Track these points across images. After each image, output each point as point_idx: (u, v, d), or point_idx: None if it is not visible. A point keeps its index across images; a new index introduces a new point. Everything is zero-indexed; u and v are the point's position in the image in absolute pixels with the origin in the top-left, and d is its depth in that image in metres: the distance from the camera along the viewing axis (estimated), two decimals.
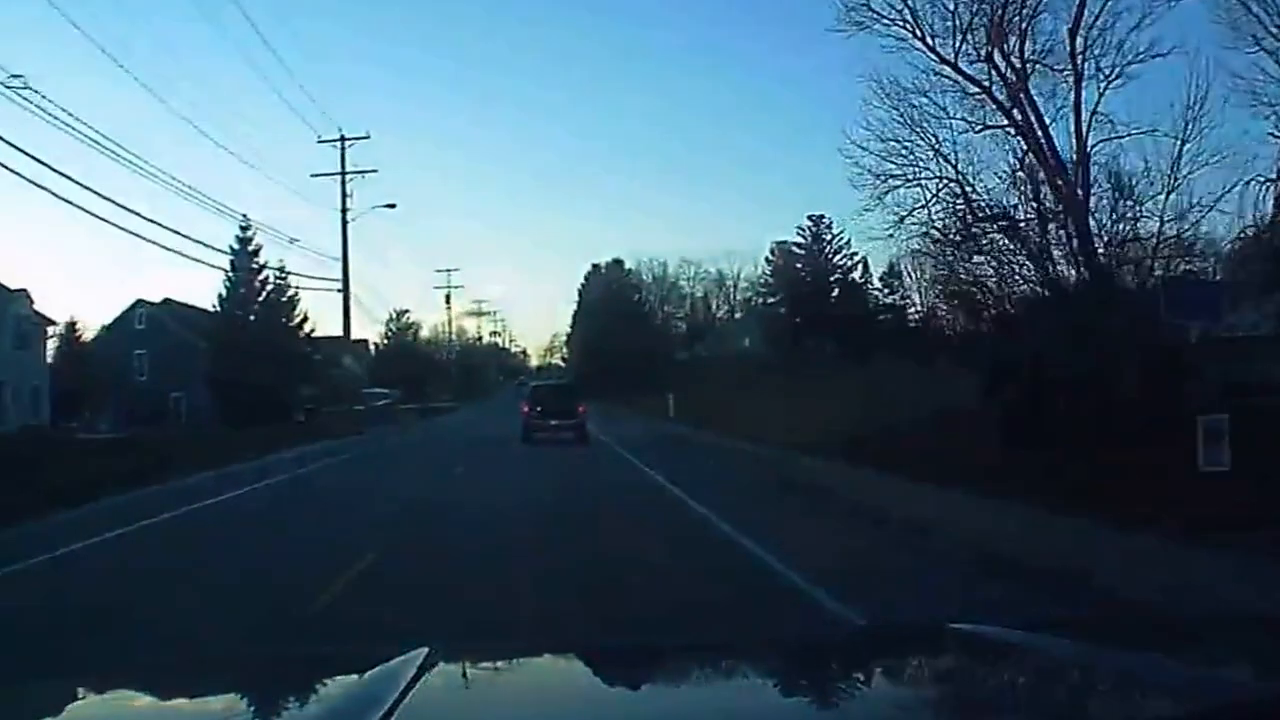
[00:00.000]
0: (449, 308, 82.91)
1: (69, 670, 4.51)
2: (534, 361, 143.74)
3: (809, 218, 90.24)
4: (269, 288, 44.19)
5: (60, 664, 6.25)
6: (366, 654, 2.03)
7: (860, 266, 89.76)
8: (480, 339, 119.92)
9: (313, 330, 46.81)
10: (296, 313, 45.36)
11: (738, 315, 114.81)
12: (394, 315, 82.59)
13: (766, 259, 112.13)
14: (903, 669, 2.20)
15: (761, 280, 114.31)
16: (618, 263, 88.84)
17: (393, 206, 37.24)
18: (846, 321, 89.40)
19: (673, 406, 41.87)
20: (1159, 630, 2.76)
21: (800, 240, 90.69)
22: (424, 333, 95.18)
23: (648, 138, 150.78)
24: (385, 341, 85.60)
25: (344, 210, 36.64)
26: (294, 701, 1.94)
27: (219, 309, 44.35)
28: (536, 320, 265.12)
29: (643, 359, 77.01)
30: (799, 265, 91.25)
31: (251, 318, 43.85)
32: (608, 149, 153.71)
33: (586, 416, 31.28)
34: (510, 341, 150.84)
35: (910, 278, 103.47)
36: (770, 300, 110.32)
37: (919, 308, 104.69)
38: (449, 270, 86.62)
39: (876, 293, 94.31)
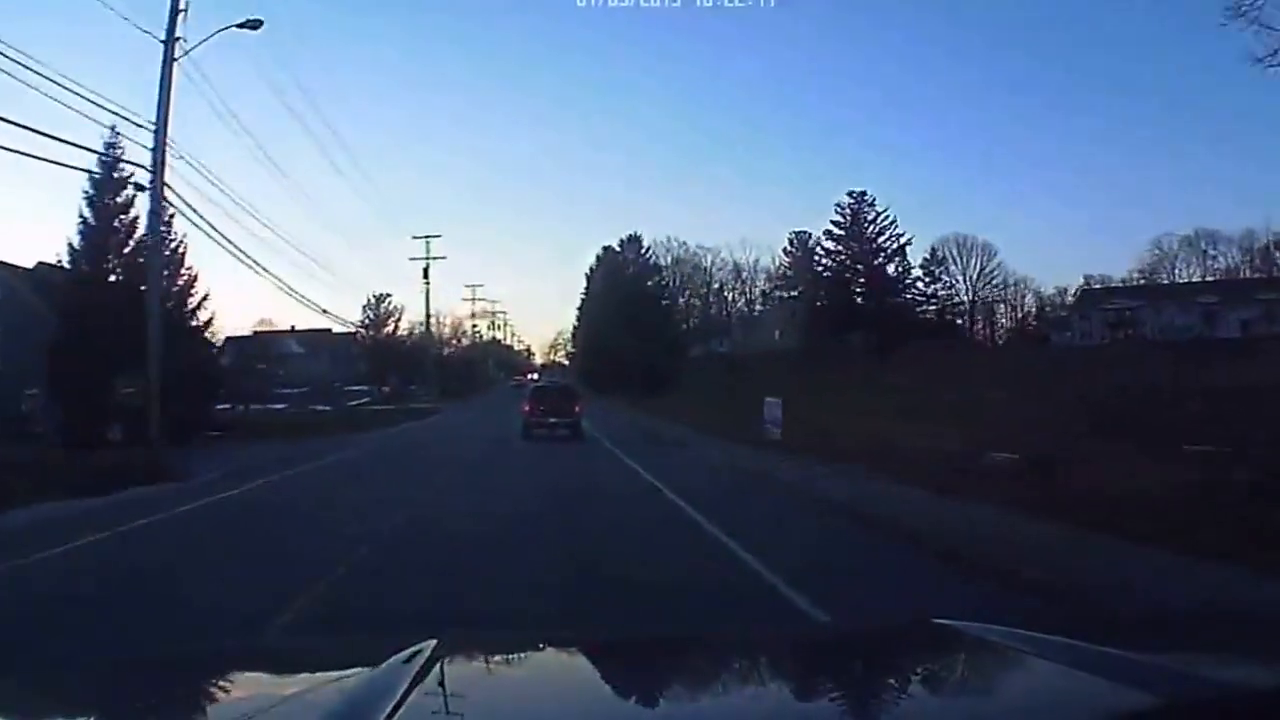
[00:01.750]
0: (427, 283, 63.47)
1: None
2: (538, 359, 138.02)
3: (849, 194, 75.19)
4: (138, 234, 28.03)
5: None
6: (376, 644, 1.97)
7: (899, 252, 74.98)
8: (477, 331, 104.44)
9: (205, 297, 31.49)
10: (183, 274, 29.64)
11: (758, 309, 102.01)
12: (372, 300, 66.87)
13: (785, 250, 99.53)
14: (887, 664, 2.11)
15: (780, 271, 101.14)
16: (634, 240, 73.04)
17: (256, 26, 20.52)
18: (892, 312, 74.88)
19: (778, 419, 22.23)
20: (1140, 626, 2.69)
21: (838, 220, 75.69)
22: (413, 324, 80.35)
23: (658, 127, 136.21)
24: (363, 330, 70.38)
25: (170, 39, 20.02)
26: (303, 693, 1.82)
27: (66, 265, 28.46)
28: (543, 317, 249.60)
29: (663, 353, 62.10)
30: (839, 248, 76.09)
31: (113, 277, 28.06)
32: (616, 140, 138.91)
33: (582, 415, 29.57)
34: (514, 338, 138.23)
35: (955, 264, 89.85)
36: (791, 293, 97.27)
37: (963, 298, 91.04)
38: (427, 238, 63.57)
39: (919, 281, 79.82)
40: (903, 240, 74.13)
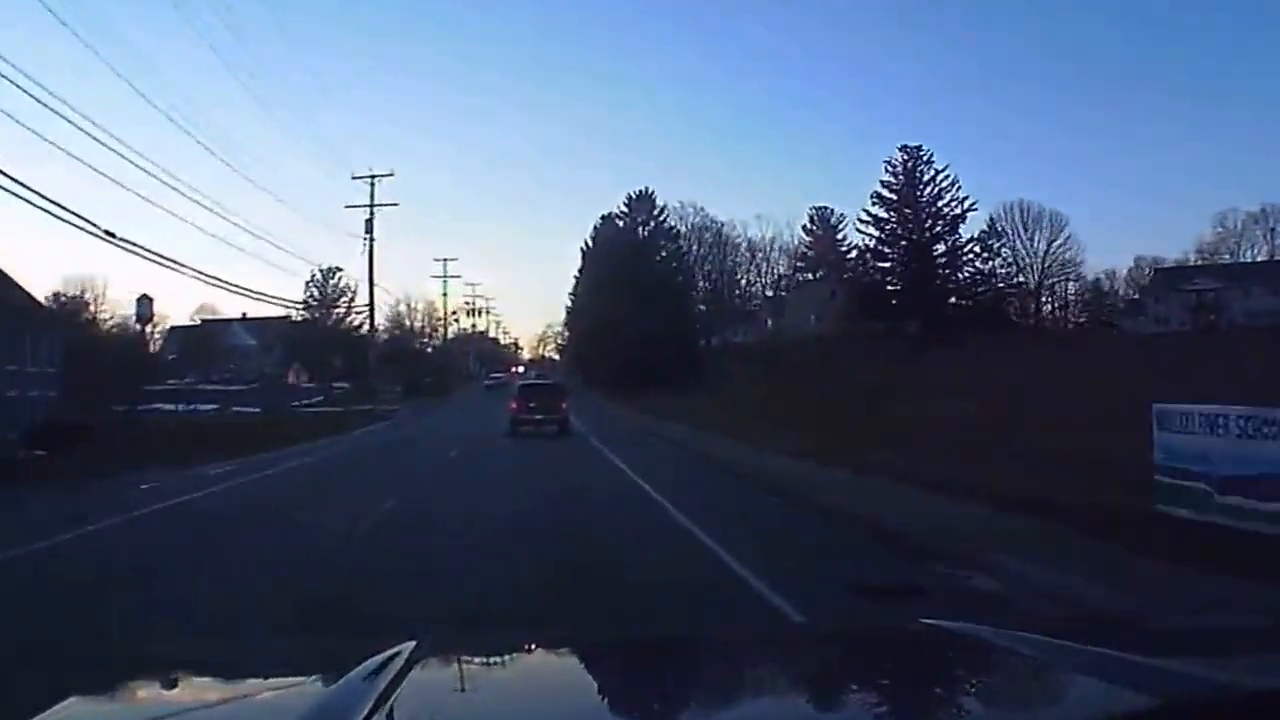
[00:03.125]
0: (370, 239, 43.03)
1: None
2: (527, 354, 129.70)
3: (902, 149, 61.53)
4: None
5: None
6: (354, 647, 1.94)
7: (960, 219, 61.67)
8: (456, 319, 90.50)
9: None
10: None
11: (771, 293, 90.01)
12: (319, 275, 52.54)
13: (805, 228, 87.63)
14: (876, 665, 2.00)
15: (799, 251, 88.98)
16: (645, 198, 58.41)
17: None
18: (953, 292, 62.02)
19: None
20: (1134, 630, 2.59)
21: (889, 180, 62.23)
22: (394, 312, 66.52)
23: (658, 100, 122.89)
24: (307, 312, 56.59)
25: None
26: (277, 695, 1.77)
27: None
28: (535, 314, 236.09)
29: (682, 339, 48.86)
30: (889, 215, 62.46)
31: None
32: (610, 123, 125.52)
33: (569, 411, 28.68)
34: (499, 329, 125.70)
35: (1019, 237, 76.45)
36: (809, 276, 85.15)
37: (1023, 278, 77.57)
38: (372, 177, 42.38)
39: (976, 258, 66.75)
40: (966, 205, 61.03)
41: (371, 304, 43.29)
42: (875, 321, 58.97)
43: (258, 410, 45.85)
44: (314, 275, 50.91)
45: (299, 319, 57.01)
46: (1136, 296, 78.18)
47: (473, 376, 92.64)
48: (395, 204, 40.88)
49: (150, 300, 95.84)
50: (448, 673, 1.84)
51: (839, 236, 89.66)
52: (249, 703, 1.75)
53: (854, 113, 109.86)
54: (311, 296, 54.31)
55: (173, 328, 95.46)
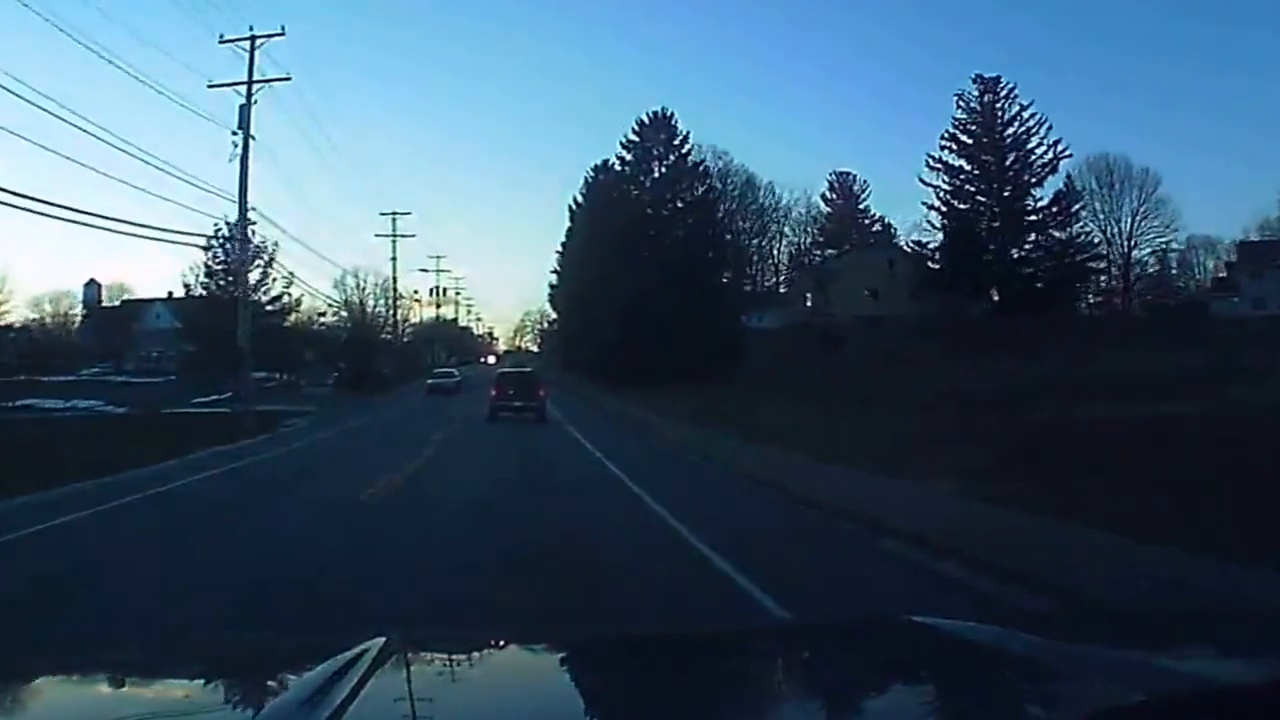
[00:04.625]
0: (241, 135, 24.51)
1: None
2: (503, 345, 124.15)
3: (977, 80, 48.42)
4: None
5: None
6: (322, 644, 1.87)
7: (1052, 169, 49.10)
8: (415, 295, 77.37)
9: None
10: None
11: (786, 267, 79.01)
12: (224, 229, 37.60)
13: (824, 196, 76.24)
14: (864, 662, 1.96)
15: (819, 221, 77.79)
16: (660, 121, 42.59)
17: None
18: (1046, 261, 49.49)
19: None
20: (1122, 623, 2.50)
21: (962, 118, 48.90)
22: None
23: (651, 50, 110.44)
24: (209, 280, 42.80)
25: None
26: (242, 693, 1.72)
27: None
28: (509, 299, 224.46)
29: (718, 315, 35.92)
30: (965, 164, 48.99)
31: None
32: (596, 95, 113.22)
33: (547, 399, 28.34)
34: (471, 316, 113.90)
35: (1104, 199, 63.73)
36: (830, 251, 73.85)
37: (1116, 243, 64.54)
38: (251, 38, 25.29)
39: (1052, 227, 54.35)
40: (1060, 151, 48.02)
41: (244, 242, 28.50)
42: (964, 298, 46.34)
43: (124, 410, 32.79)
44: (217, 231, 37.10)
45: (200, 291, 43.33)
46: (1224, 275, 66.38)
47: (440, 366, 79.55)
48: (287, 78, 25.64)
49: (99, 285, 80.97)
50: (417, 670, 1.78)
51: (861, 206, 78.46)
52: (214, 700, 1.69)
53: (882, 67, 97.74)
54: (214, 259, 40.49)
55: (89, 310, 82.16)
